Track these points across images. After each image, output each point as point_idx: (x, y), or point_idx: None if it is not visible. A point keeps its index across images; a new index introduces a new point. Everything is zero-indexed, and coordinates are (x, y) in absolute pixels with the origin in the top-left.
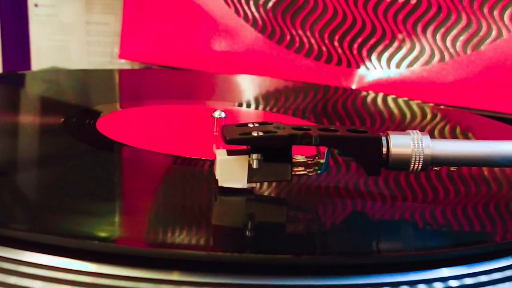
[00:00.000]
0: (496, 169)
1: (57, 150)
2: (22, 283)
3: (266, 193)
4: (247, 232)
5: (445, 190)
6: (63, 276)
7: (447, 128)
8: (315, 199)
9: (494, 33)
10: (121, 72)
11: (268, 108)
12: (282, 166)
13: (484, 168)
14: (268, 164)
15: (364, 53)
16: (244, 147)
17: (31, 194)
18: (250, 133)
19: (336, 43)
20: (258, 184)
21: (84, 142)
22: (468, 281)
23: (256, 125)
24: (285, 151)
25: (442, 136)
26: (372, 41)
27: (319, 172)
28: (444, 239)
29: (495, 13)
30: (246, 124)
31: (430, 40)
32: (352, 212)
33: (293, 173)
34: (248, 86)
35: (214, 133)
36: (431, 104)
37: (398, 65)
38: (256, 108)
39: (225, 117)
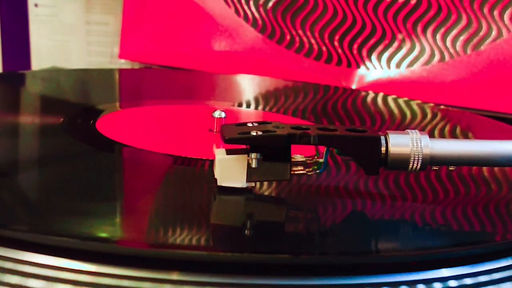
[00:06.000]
0: (495, 168)
1: (56, 150)
2: (23, 283)
3: (265, 193)
4: (246, 232)
5: (445, 190)
6: (62, 275)
7: (447, 128)
8: (314, 198)
9: (494, 33)
10: (121, 72)
11: (267, 108)
12: (281, 165)
13: (483, 168)
14: (267, 163)
15: (364, 53)
16: (243, 146)
17: (30, 194)
18: (249, 133)
19: (336, 43)
20: (257, 184)
21: (84, 142)
22: (468, 281)
23: (255, 124)
24: (284, 151)
25: (442, 136)
26: (372, 41)
27: (318, 171)
28: (444, 239)
29: (495, 13)
30: (245, 124)
31: (430, 40)
32: (352, 212)
33: (292, 172)
34: (248, 86)
35: (214, 133)
36: (431, 104)
37: (398, 65)
38: (256, 108)
39: (225, 117)
